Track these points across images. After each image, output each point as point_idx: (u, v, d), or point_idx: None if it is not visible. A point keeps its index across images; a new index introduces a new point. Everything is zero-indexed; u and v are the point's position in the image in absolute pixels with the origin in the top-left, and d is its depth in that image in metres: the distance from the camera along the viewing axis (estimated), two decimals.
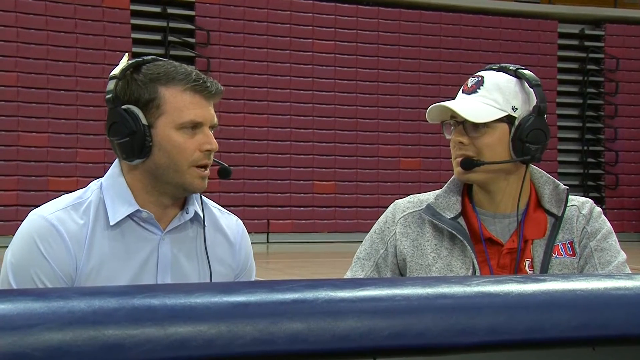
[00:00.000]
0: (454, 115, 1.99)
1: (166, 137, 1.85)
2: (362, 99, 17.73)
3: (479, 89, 2.00)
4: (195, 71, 1.90)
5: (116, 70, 1.88)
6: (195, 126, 1.86)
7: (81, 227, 1.86)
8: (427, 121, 2.07)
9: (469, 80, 2.04)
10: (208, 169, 1.89)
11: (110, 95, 1.86)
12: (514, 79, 2.02)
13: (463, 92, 2.03)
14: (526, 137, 1.97)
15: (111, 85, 1.87)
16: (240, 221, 2.10)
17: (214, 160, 1.91)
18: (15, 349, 0.85)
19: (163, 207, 1.92)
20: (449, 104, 1.99)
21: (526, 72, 2.03)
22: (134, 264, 1.88)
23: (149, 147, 1.85)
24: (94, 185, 1.94)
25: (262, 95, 17.06)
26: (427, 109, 2.01)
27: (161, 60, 1.92)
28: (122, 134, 1.85)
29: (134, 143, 1.84)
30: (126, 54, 2.02)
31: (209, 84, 1.88)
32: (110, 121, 1.87)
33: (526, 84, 2.01)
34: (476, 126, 1.98)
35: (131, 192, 1.90)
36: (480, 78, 2.02)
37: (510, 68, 2.04)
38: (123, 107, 1.86)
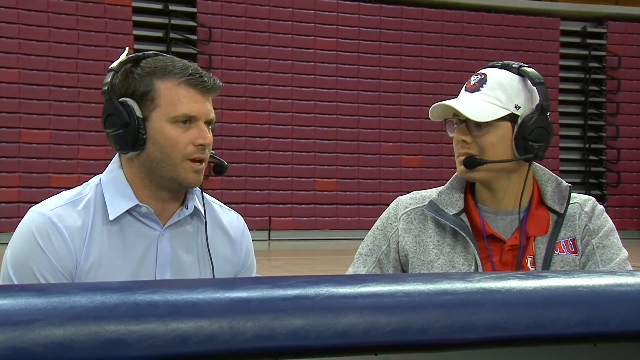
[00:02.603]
0: (456, 114, 1.99)
1: (160, 130, 1.85)
2: (364, 97, 17.71)
3: (482, 87, 1.99)
4: (194, 66, 1.90)
5: (114, 64, 1.89)
6: (189, 120, 1.85)
7: (81, 223, 1.86)
8: (429, 119, 2.06)
9: (472, 78, 2.03)
10: (203, 164, 1.88)
11: (106, 88, 1.87)
12: (517, 77, 2.01)
13: (466, 90, 2.03)
14: (529, 136, 1.96)
15: (108, 77, 1.88)
16: (241, 218, 2.09)
17: (211, 155, 1.91)
18: (17, 344, 0.85)
19: (162, 202, 1.91)
20: (451, 102, 1.98)
21: (529, 69, 2.02)
22: (132, 260, 1.88)
23: (142, 140, 1.85)
24: (94, 181, 1.94)
25: (264, 93, 17.04)
26: (429, 106, 2.01)
27: (162, 55, 1.92)
28: (116, 125, 1.85)
29: (127, 135, 1.84)
30: (126, 48, 2.01)
31: (205, 79, 1.87)
32: (106, 113, 1.88)
33: (529, 82, 2.00)
34: (479, 125, 1.97)
35: (130, 187, 1.89)
36: (483, 76, 2.01)
37: (513, 66, 2.03)
38: (119, 99, 1.86)
